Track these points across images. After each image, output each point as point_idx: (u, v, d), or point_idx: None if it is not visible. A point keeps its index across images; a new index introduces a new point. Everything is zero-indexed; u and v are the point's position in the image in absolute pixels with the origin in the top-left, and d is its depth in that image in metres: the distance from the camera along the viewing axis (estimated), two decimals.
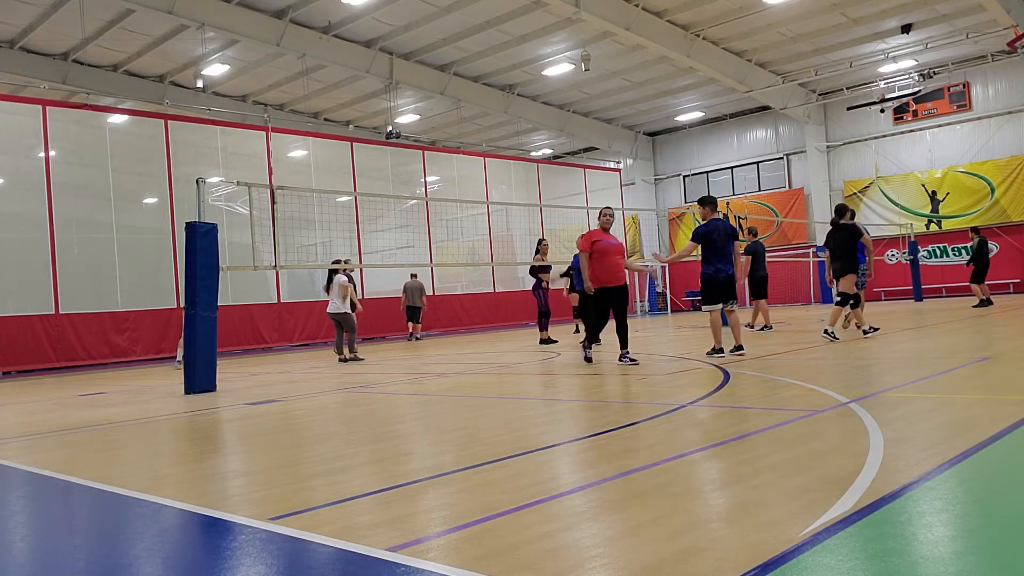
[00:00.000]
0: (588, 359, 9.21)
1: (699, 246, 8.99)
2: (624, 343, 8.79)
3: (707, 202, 9.11)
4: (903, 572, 2.07)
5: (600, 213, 9.16)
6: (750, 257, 12.79)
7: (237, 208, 17.61)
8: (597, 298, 8.93)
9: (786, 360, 7.99)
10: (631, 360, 8.54)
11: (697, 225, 9.15)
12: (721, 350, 8.77)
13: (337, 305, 12.56)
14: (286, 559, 2.57)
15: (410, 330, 18.49)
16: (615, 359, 8.88)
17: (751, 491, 2.99)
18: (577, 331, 16.63)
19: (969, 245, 17.79)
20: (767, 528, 2.49)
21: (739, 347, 8.81)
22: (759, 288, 12.90)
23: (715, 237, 8.81)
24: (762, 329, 12.69)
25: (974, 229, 17.65)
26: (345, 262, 16.19)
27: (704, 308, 9.22)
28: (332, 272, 12.73)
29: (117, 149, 17.05)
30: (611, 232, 9.04)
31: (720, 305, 8.96)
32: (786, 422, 4.43)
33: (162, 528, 3.15)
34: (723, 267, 8.83)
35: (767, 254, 13.41)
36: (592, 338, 9.46)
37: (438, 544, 2.59)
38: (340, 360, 12.60)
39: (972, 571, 2.07)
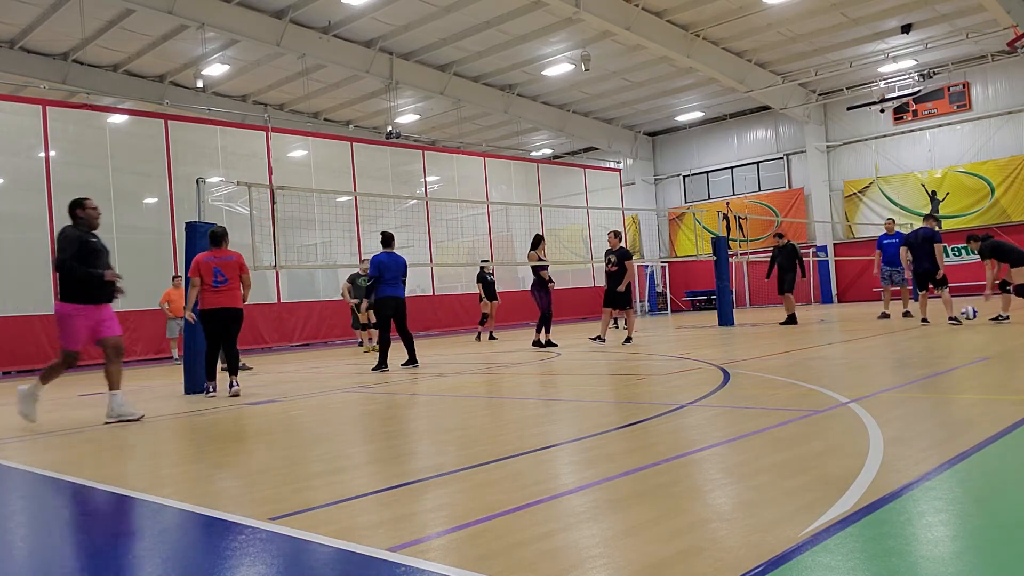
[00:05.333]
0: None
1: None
2: (235, 370, 8.18)
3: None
4: (903, 572, 2.07)
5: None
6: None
7: (237, 208, 17.59)
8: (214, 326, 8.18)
9: (786, 360, 7.99)
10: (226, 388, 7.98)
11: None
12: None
13: None
14: (286, 559, 2.57)
15: (369, 337, 18.05)
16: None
17: (751, 491, 2.99)
18: (483, 339, 16.39)
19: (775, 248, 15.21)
20: (767, 528, 2.49)
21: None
22: (620, 298, 12.16)
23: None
24: (626, 341, 12.08)
25: (778, 235, 15.41)
26: (362, 261, 16.01)
27: None
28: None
29: (117, 149, 17.03)
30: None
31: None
32: (786, 422, 4.43)
33: (162, 528, 3.15)
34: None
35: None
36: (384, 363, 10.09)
37: (438, 544, 2.60)
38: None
39: (972, 571, 2.07)
